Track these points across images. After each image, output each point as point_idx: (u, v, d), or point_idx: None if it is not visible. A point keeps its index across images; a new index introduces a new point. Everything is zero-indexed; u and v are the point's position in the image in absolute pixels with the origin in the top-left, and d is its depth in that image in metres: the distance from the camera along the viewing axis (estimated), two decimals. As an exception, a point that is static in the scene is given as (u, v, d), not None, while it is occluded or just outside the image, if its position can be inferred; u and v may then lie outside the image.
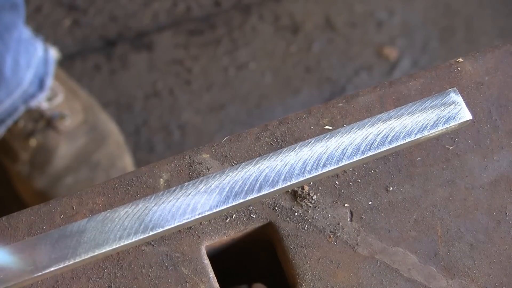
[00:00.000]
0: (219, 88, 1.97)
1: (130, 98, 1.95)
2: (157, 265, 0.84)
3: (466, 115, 0.75)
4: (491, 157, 0.89)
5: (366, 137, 0.74)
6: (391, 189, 0.88)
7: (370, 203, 0.87)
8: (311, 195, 0.87)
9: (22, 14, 1.61)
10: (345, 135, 0.74)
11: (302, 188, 0.87)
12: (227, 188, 0.71)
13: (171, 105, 1.95)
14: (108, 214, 0.70)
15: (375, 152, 0.73)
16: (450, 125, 0.74)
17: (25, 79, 1.69)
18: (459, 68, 0.93)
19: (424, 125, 0.74)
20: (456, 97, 0.75)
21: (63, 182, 1.74)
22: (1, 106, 1.69)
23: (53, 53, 1.78)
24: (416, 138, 0.74)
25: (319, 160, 0.73)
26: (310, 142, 0.73)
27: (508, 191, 0.88)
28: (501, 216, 0.87)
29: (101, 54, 1.99)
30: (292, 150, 0.73)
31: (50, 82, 1.74)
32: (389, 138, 0.74)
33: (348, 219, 0.86)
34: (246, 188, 0.71)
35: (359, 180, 0.88)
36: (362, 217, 0.86)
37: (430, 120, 0.74)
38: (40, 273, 0.68)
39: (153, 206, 0.70)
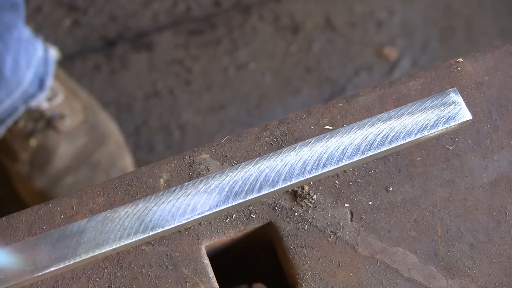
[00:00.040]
0: (219, 88, 1.97)
1: (130, 98, 1.95)
2: (157, 265, 0.84)
3: (466, 115, 0.75)
4: (491, 157, 0.89)
5: (366, 137, 0.74)
6: (391, 189, 0.88)
7: (370, 203, 0.87)
8: (311, 195, 0.87)
9: (22, 14, 1.61)
10: (345, 135, 0.74)
11: (302, 188, 0.87)
12: (227, 188, 0.71)
13: (171, 105, 1.95)
14: (108, 214, 0.70)
15: (375, 152, 0.73)
16: (450, 125, 0.74)
17: (25, 79, 1.69)
18: (459, 68, 0.93)
19: (424, 125, 0.74)
20: (456, 97, 0.75)
21: (63, 182, 1.74)
22: (1, 106, 1.69)
23: (53, 53, 1.78)
24: (416, 138, 0.74)
25: (319, 160, 0.73)
26: (310, 142, 0.73)
27: (508, 191, 0.88)
28: (501, 216, 0.87)
29: (101, 54, 1.99)
30: (292, 150, 0.73)
31: (50, 82, 1.74)
32: (389, 138, 0.74)
33: (348, 219, 0.86)
34: (246, 188, 0.71)
35: (359, 180, 0.88)
36: (362, 217, 0.86)
37: (430, 120, 0.74)
38: (40, 273, 0.68)
39: (153, 206, 0.70)
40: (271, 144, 0.89)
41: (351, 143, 0.73)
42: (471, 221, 0.86)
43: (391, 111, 0.75)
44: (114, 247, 0.69)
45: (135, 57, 1.99)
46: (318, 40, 2.03)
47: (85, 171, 1.74)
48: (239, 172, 0.72)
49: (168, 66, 1.99)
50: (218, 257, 0.88)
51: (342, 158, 0.73)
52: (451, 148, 0.89)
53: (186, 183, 0.72)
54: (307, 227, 0.86)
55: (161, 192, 0.71)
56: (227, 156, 0.88)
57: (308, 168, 0.72)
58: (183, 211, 0.70)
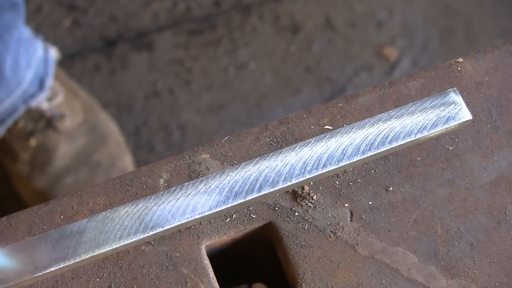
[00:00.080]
0: (219, 88, 1.97)
1: (130, 98, 1.95)
2: (157, 265, 0.84)
3: (466, 115, 0.75)
4: (491, 157, 0.89)
5: (366, 137, 0.74)
6: (391, 189, 0.88)
7: (370, 203, 0.87)
8: (311, 195, 0.87)
9: (22, 14, 1.61)
10: (345, 135, 0.74)
11: (302, 188, 0.87)
12: (227, 188, 0.71)
13: (171, 105, 1.95)
14: (108, 214, 0.70)
15: (375, 152, 0.73)
16: (450, 125, 0.74)
17: (25, 79, 1.69)
18: (459, 68, 0.93)
19: (424, 125, 0.74)
20: (456, 97, 0.75)
21: (63, 182, 1.74)
22: (1, 106, 1.69)
23: (53, 53, 1.78)
24: (416, 138, 0.74)
25: (319, 160, 0.73)
26: (310, 142, 0.73)
27: (508, 191, 0.88)
28: (501, 216, 0.87)
29: (101, 54, 1.99)
30: (292, 150, 0.73)
31: (50, 82, 1.74)
32: (389, 138, 0.74)
33: (348, 219, 0.86)
34: (246, 188, 0.71)
35: (359, 180, 0.88)
36: (362, 217, 0.86)
37: (430, 120, 0.74)
38: (40, 273, 0.68)
39: (153, 206, 0.70)
40: (271, 144, 0.89)
41: (351, 143, 0.73)
42: (471, 221, 0.86)
43: (391, 111, 0.75)
44: (114, 247, 0.69)
45: (135, 57, 1.99)
46: (318, 40, 2.03)
47: (85, 171, 1.74)
48: (239, 172, 0.72)
49: (168, 66, 1.99)
50: (218, 257, 0.88)
51: (342, 158, 0.73)
52: (451, 148, 0.89)
53: (186, 183, 0.72)
54: (307, 227, 0.86)
55: (161, 192, 0.71)
56: (227, 156, 0.88)
57: (308, 168, 0.72)
58: (183, 211, 0.70)
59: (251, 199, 0.71)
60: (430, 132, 0.74)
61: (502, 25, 2.06)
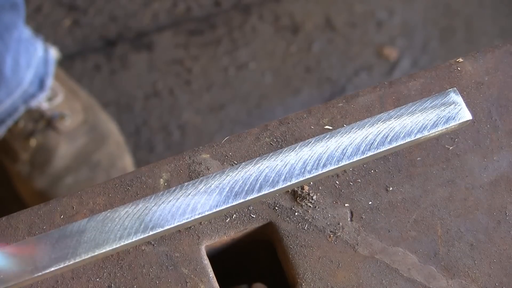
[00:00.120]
0: (219, 88, 1.97)
1: (130, 98, 1.95)
2: (157, 265, 0.84)
3: (466, 115, 0.75)
4: (491, 157, 0.89)
5: (366, 137, 0.74)
6: (391, 189, 0.88)
7: (370, 203, 0.87)
8: (311, 195, 0.87)
9: (22, 14, 1.61)
10: (345, 135, 0.74)
11: (302, 188, 0.87)
12: (227, 188, 0.71)
13: (171, 105, 1.95)
14: (108, 214, 0.70)
15: (375, 152, 0.73)
16: (450, 125, 0.74)
17: (25, 79, 1.69)
18: (459, 68, 0.93)
19: (424, 125, 0.74)
20: (456, 97, 0.75)
21: (63, 182, 1.74)
22: (1, 106, 1.69)
23: (53, 53, 1.78)
24: (416, 138, 0.74)
25: (319, 160, 0.73)
26: (310, 142, 0.73)
27: (508, 191, 0.88)
28: (501, 216, 0.87)
29: (101, 54, 1.99)
30: (292, 150, 0.73)
31: (50, 82, 1.74)
32: (389, 138, 0.74)
33: (348, 219, 0.86)
34: (246, 188, 0.71)
35: (359, 180, 0.88)
36: (362, 217, 0.86)
37: (430, 120, 0.74)
38: (40, 273, 0.68)
39: (153, 206, 0.70)
40: (271, 144, 0.89)
41: (351, 143, 0.73)
42: (471, 221, 0.86)
43: (391, 111, 0.75)
44: (114, 247, 0.69)
45: (135, 57, 1.99)
46: (318, 40, 2.03)
47: (85, 171, 1.74)
48: (239, 172, 0.72)
49: (168, 66, 1.99)
50: (218, 257, 0.88)
51: (342, 158, 0.73)
52: (451, 148, 0.89)
53: (186, 183, 0.72)
54: (307, 227, 0.86)
55: (161, 192, 0.71)
56: (227, 156, 0.88)
57: (308, 168, 0.72)
58: (183, 211, 0.70)
59: (251, 199, 0.71)
60: (430, 132, 0.74)
61: (502, 25, 2.06)
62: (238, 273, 1.00)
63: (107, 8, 2.03)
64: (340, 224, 0.86)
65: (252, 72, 1.99)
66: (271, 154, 0.73)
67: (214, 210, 0.71)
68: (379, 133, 0.74)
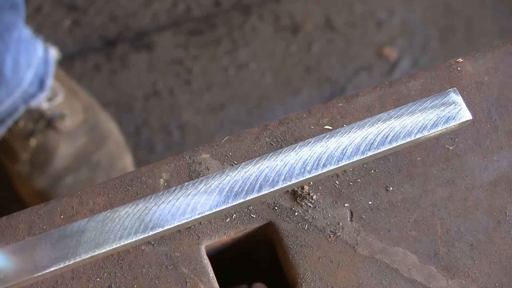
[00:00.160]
0: (219, 88, 1.97)
1: (130, 98, 1.95)
2: (157, 265, 0.84)
3: (466, 115, 0.75)
4: (491, 157, 0.89)
5: (366, 137, 0.74)
6: (391, 189, 0.88)
7: (370, 203, 0.87)
8: (311, 195, 0.87)
9: (22, 14, 1.61)
10: (345, 135, 0.74)
11: (302, 188, 0.87)
12: (227, 188, 0.71)
13: (171, 105, 1.95)
14: (108, 214, 0.70)
15: (375, 152, 0.73)
16: (450, 125, 0.74)
17: (25, 79, 1.69)
18: (459, 68, 0.93)
19: (424, 125, 0.74)
20: (456, 97, 0.75)
21: (63, 182, 1.74)
22: (1, 106, 1.69)
23: (53, 53, 1.78)
24: (416, 138, 0.74)
25: (319, 160, 0.73)
26: (310, 142, 0.73)
27: (508, 191, 0.88)
28: (501, 216, 0.87)
29: (101, 54, 1.99)
30: (292, 150, 0.73)
31: (50, 82, 1.74)
32: (389, 138, 0.74)
33: (348, 219, 0.86)
34: (246, 188, 0.71)
35: (359, 180, 0.88)
36: (362, 217, 0.86)
37: (430, 120, 0.74)
38: (40, 273, 0.68)
39: (153, 206, 0.70)
40: (271, 144, 0.89)
41: (351, 143, 0.73)
42: (471, 221, 0.86)
43: (391, 111, 0.75)
44: (114, 247, 0.69)
45: (135, 57, 1.99)
46: (318, 40, 2.03)
47: (85, 171, 1.74)
48: (239, 172, 0.72)
49: (168, 66, 1.99)
50: (218, 257, 0.88)
51: (342, 158, 0.73)
52: (451, 148, 0.89)
53: (186, 183, 0.72)
54: (307, 227, 0.86)
55: (161, 192, 0.71)
56: (227, 156, 0.88)
57: (308, 168, 0.72)
58: (183, 211, 0.70)
59: (251, 199, 0.71)
60: (430, 132, 0.74)
61: (502, 25, 2.06)
62: (238, 273, 1.00)
63: (107, 8, 2.03)
64: (340, 224, 0.86)
65: (252, 72, 1.99)
66: (271, 154, 0.73)
67: (214, 210, 0.71)
68: (379, 133, 0.74)
